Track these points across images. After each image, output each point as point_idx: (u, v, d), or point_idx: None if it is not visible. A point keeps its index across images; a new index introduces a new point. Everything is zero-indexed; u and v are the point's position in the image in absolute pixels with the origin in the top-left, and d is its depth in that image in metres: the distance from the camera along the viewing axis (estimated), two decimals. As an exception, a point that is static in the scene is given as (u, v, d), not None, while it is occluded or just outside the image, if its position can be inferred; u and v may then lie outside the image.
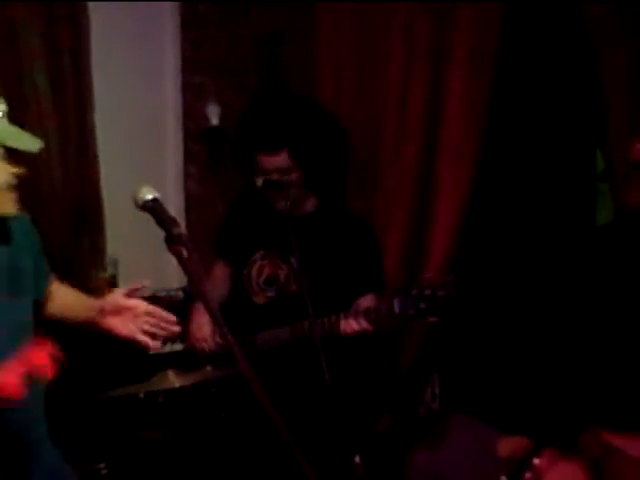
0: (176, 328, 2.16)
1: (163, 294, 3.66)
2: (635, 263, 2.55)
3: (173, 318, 2.16)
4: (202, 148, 4.17)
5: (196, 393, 2.87)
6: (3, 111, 1.93)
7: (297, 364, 2.93)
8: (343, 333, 2.77)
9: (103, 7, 3.64)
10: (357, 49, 3.80)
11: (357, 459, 2.38)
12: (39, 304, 2.15)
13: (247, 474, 3.00)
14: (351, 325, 2.75)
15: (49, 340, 1.94)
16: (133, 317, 2.15)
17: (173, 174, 4.20)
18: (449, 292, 2.61)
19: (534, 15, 3.63)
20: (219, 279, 3.21)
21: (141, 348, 2.17)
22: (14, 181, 1.94)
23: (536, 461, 2.57)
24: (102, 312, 2.17)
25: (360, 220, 3.16)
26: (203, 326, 3.08)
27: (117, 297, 2.17)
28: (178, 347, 3.27)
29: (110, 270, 3.67)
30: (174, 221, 1.82)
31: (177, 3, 4.12)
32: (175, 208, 3.98)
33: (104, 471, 2.96)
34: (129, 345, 2.18)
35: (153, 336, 2.16)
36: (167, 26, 4.13)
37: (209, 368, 2.80)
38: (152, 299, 2.34)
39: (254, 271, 3.10)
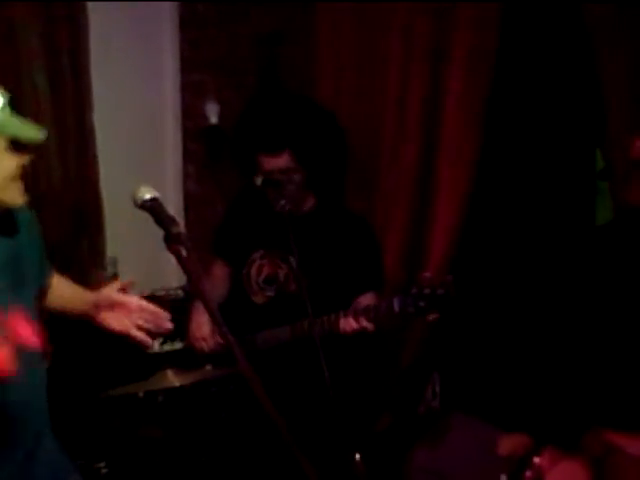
0: (169, 324, 2.15)
1: (162, 293, 3.66)
2: (635, 262, 2.55)
3: (166, 314, 2.14)
4: (200, 147, 4.17)
5: (196, 392, 2.86)
6: (4, 102, 1.93)
7: (297, 363, 2.93)
8: (343, 332, 2.77)
9: (102, 7, 3.64)
10: (356, 49, 3.80)
11: (357, 458, 2.38)
12: (40, 296, 2.16)
13: (247, 473, 3.00)
14: (351, 324, 2.75)
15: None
16: (127, 313, 2.14)
17: (172, 174, 4.20)
18: (448, 291, 2.61)
19: (533, 15, 3.62)
20: (218, 278, 3.21)
21: (136, 344, 2.17)
22: (20, 171, 1.94)
23: (536, 459, 2.57)
24: (96, 307, 2.17)
25: (359, 219, 3.16)
26: (202, 325, 3.08)
27: (110, 292, 2.16)
28: (178, 346, 3.27)
29: (110, 270, 3.67)
30: (173, 220, 1.82)
31: (176, 3, 4.11)
32: (174, 207, 3.98)
33: (104, 470, 2.96)
34: (127, 343, 2.17)
35: (147, 332, 2.15)
36: (166, 26, 4.13)
37: (209, 367, 2.81)
38: (151, 298, 2.34)
39: (253, 270, 3.10)
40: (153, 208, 1.85)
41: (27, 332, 1.92)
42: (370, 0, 3.71)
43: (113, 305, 2.15)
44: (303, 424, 2.32)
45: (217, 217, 3.57)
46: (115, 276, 3.60)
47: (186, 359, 3.06)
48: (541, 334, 2.84)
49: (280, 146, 2.95)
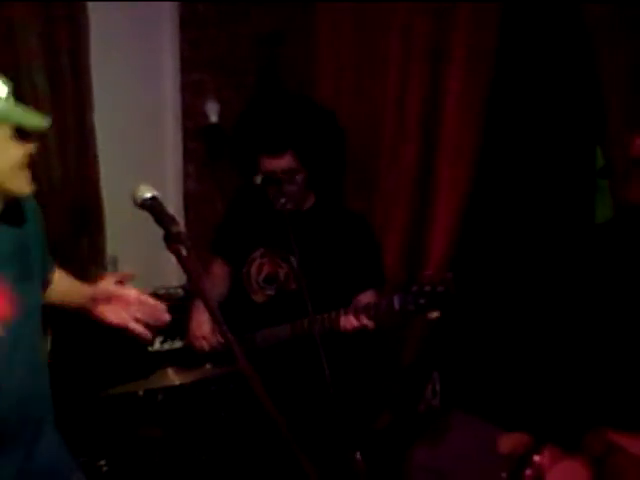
0: (167, 317, 2.13)
1: (162, 292, 3.67)
2: (635, 260, 2.55)
3: (164, 307, 2.12)
4: (200, 146, 4.17)
5: (196, 391, 2.87)
6: (8, 91, 1.93)
7: (297, 362, 2.93)
8: (343, 329, 2.77)
9: (102, 7, 3.65)
10: (356, 49, 3.80)
11: (358, 456, 2.38)
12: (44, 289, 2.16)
13: (247, 472, 3.00)
14: (351, 321, 2.75)
15: None
16: (125, 305, 2.13)
17: (172, 173, 4.20)
18: (448, 288, 2.62)
19: (533, 15, 3.63)
20: (218, 277, 3.21)
21: (134, 338, 2.16)
22: (26, 160, 1.94)
23: (537, 458, 2.57)
24: (94, 300, 2.16)
25: (358, 217, 3.17)
26: (202, 324, 3.08)
27: (108, 285, 2.15)
28: (178, 345, 3.28)
29: (110, 269, 3.68)
30: (173, 219, 1.82)
31: (176, 3, 4.12)
32: (174, 206, 3.98)
33: (105, 468, 2.97)
34: (127, 341, 2.17)
35: (146, 325, 2.14)
36: (166, 26, 4.13)
37: (208, 366, 2.81)
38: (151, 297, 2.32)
39: (253, 269, 3.10)
40: (153, 207, 1.85)
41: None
42: (370, 0, 3.72)
43: (110, 298, 2.14)
44: (303, 422, 2.33)
45: (217, 216, 3.58)
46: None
47: (186, 358, 3.06)
48: (541, 333, 2.84)
49: (282, 147, 2.95)
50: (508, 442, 2.80)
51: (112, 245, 3.71)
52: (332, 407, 2.41)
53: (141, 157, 3.95)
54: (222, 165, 4.10)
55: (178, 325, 3.17)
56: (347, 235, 3.04)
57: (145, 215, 1.87)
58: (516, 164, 3.80)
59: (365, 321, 2.74)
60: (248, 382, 1.68)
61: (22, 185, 1.95)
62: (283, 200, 2.90)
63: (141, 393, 2.85)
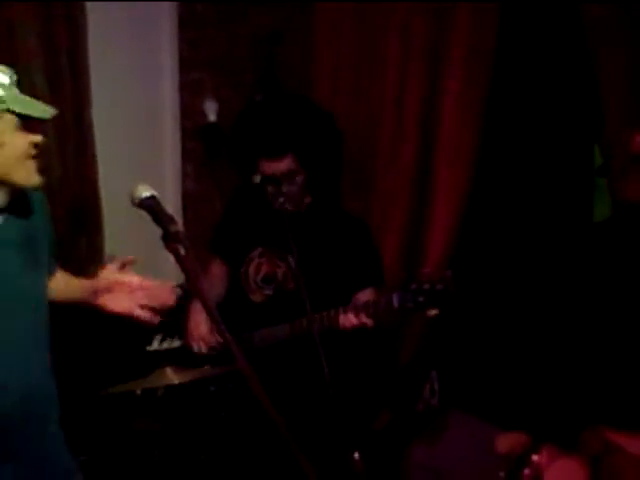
0: (172, 299, 2.09)
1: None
2: (633, 258, 2.55)
3: (168, 288, 2.09)
4: (199, 146, 4.17)
5: (195, 390, 2.87)
6: (13, 80, 1.93)
7: (295, 361, 2.93)
8: (342, 327, 2.77)
9: (101, 7, 3.64)
10: (355, 49, 3.80)
11: (356, 455, 2.38)
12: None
13: (246, 471, 3.00)
14: (350, 319, 2.75)
15: None
16: (128, 293, 2.09)
17: (170, 172, 4.19)
18: (447, 286, 2.62)
19: (531, 15, 3.63)
20: (216, 277, 3.21)
21: (141, 323, 2.12)
22: (34, 150, 1.94)
23: (535, 457, 2.58)
24: (95, 292, 2.13)
25: (355, 218, 3.17)
26: (200, 325, 3.07)
27: (110, 273, 2.11)
28: (176, 344, 3.27)
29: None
30: (171, 218, 1.81)
31: (175, 3, 4.11)
32: (172, 206, 3.98)
33: (103, 467, 2.96)
34: (126, 340, 2.16)
35: (151, 310, 2.10)
36: (165, 26, 4.13)
37: (207, 366, 2.81)
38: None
39: (251, 269, 3.10)
40: (151, 206, 1.85)
41: None
42: (368, 0, 3.72)
43: (112, 287, 2.10)
44: (302, 422, 2.32)
45: (215, 215, 3.57)
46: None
47: (185, 357, 3.06)
48: (540, 332, 2.84)
49: (283, 150, 2.95)
50: (506, 442, 2.81)
51: (110, 245, 3.70)
52: (331, 407, 2.41)
53: (139, 156, 3.94)
54: (221, 164, 4.10)
55: (177, 324, 3.17)
56: (344, 234, 3.05)
57: (143, 215, 1.87)
58: (515, 164, 3.80)
59: (364, 319, 2.74)
60: (247, 382, 1.68)
61: (28, 176, 1.94)
62: (282, 200, 2.90)
63: (139, 392, 2.85)
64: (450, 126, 3.52)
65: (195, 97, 4.15)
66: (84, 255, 3.62)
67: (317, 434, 2.69)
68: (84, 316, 2.22)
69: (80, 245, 3.62)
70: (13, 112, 1.89)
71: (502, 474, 2.67)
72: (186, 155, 4.21)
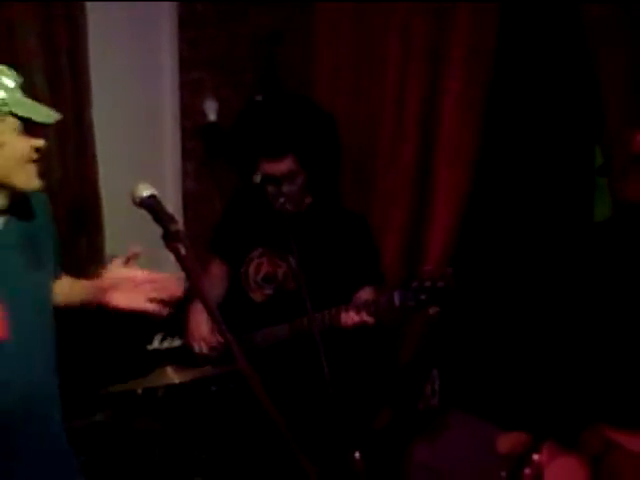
0: (180, 290, 2.04)
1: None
2: (634, 258, 2.55)
3: (175, 279, 2.04)
4: (199, 145, 4.17)
5: (196, 390, 2.87)
6: (18, 83, 1.93)
7: (296, 361, 2.93)
8: (344, 325, 2.77)
9: (101, 7, 3.64)
10: (355, 49, 3.80)
11: (357, 455, 2.38)
12: None
13: (247, 471, 3.00)
14: (352, 317, 2.75)
15: None
16: (134, 287, 2.05)
17: (171, 171, 4.19)
18: (448, 284, 2.62)
19: (531, 15, 3.63)
20: (216, 277, 3.21)
21: (150, 316, 2.08)
22: (35, 154, 1.94)
23: (536, 457, 2.58)
24: (102, 290, 2.09)
25: (356, 215, 3.18)
26: (201, 326, 3.07)
27: (115, 270, 2.08)
28: (177, 343, 3.27)
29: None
30: (172, 218, 1.81)
31: (175, 3, 4.11)
32: (173, 205, 3.98)
33: (103, 466, 2.96)
34: (126, 339, 2.16)
35: (159, 302, 2.06)
36: (165, 26, 4.13)
37: (208, 367, 2.81)
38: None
39: (252, 269, 3.10)
40: (152, 206, 1.85)
41: None
42: (368, 0, 3.72)
43: (118, 284, 2.07)
44: (303, 422, 2.33)
45: (216, 215, 3.57)
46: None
47: (185, 356, 3.06)
48: (540, 332, 2.84)
49: (283, 151, 2.95)
50: (507, 441, 2.81)
51: (111, 244, 3.70)
52: (331, 406, 2.41)
53: (140, 156, 3.94)
54: (221, 164, 4.10)
55: (177, 323, 3.17)
56: (344, 233, 3.05)
57: (143, 214, 1.87)
58: (515, 163, 3.80)
59: (366, 317, 2.74)
60: (247, 382, 1.68)
61: (28, 179, 1.94)
62: (282, 200, 2.91)
63: (140, 391, 2.84)
64: (450, 126, 3.52)
65: (195, 97, 4.15)
66: (84, 255, 3.62)
67: (318, 433, 2.69)
68: (84, 315, 2.21)
69: (80, 245, 3.61)
70: (16, 115, 1.89)
71: (504, 474, 2.67)
72: (186, 154, 4.20)
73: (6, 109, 1.87)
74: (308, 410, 2.87)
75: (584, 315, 2.62)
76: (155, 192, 1.88)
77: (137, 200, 1.87)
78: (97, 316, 2.20)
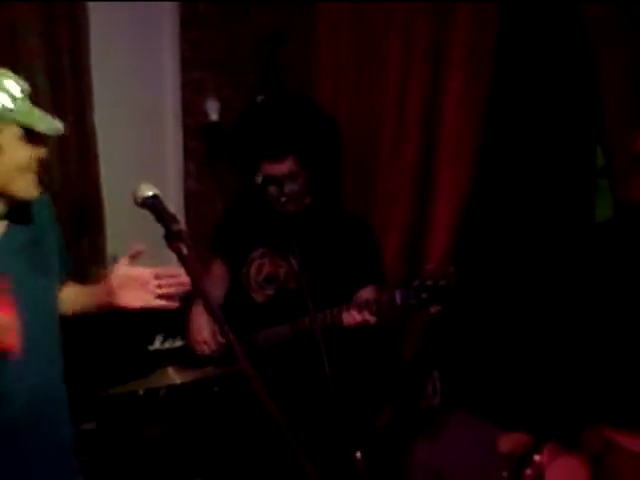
0: (187, 281, 1.98)
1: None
2: (635, 259, 2.55)
3: (181, 271, 1.98)
4: (201, 145, 4.18)
5: (197, 391, 2.87)
6: (25, 91, 1.93)
7: (298, 361, 2.93)
8: (346, 325, 2.77)
9: (102, 7, 3.65)
10: (356, 49, 3.81)
11: (358, 455, 2.38)
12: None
13: (249, 471, 3.00)
14: (354, 316, 2.76)
15: None
16: (142, 285, 2.05)
17: (173, 171, 4.20)
18: (450, 282, 2.62)
19: (532, 15, 3.63)
20: (217, 277, 3.21)
21: (161, 311, 2.08)
22: (34, 164, 1.94)
23: (537, 457, 2.58)
24: (109, 293, 2.08)
25: (357, 216, 3.18)
26: (203, 328, 3.08)
27: (122, 270, 2.07)
28: (178, 343, 3.27)
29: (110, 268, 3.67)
30: (174, 218, 1.81)
31: (176, 3, 4.11)
32: (174, 205, 3.99)
33: (105, 467, 2.96)
34: (127, 340, 2.16)
35: (168, 297, 2.06)
36: (166, 26, 4.13)
37: (210, 367, 2.81)
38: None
39: (253, 269, 3.11)
40: (154, 205, 1.85)
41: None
42: (370, 0, 3.72)
43: (124, 284, 2.06)
44: (304, 422, 2.33)
45: (217, 215, 3.58)
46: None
47: (187, 356, 3.06)
48: (541, 332, 2.84)
49: (284, 152, 2.96)
50: (508, 442, 2.81)
51: (112, 244, 3.71)
52: (333, 406, 2.42)
53: (141, 156, 3.95)
54: (222, 164, 4.10)
55: (178, 324, 3.17)
56: (344, 232, 3.05)
57: (145, 214, 1.87)
58: (516, 164, 3.80)
59: (367, 316, 2.74)
60: (249, 382, 1.68)
61: (26, 188, 1.94)
62: (283, 200, 2.91)
63: (142, 392, 2.84)
64: (452, 126, 3.52)
65: (197, 96, 4.15)
66: (86, 255, 3.62)
67: (319, 433, 2.69)
68: (84, 316, 2.21)
69: (82, 245, 3.62)
70: (20, 123, 1.89)
71: (505, 474, 2.67)
72: (188, 154, 4.21)
73: (10, 117, 1.88)
74: (310, 410, 2.87)
75: (585, 315, 2.62)
76: (157, 192, 1.88)
77: (139, 200, 1.87)
78: (98, 317, 2.20)
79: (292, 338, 2.91)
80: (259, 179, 2.98)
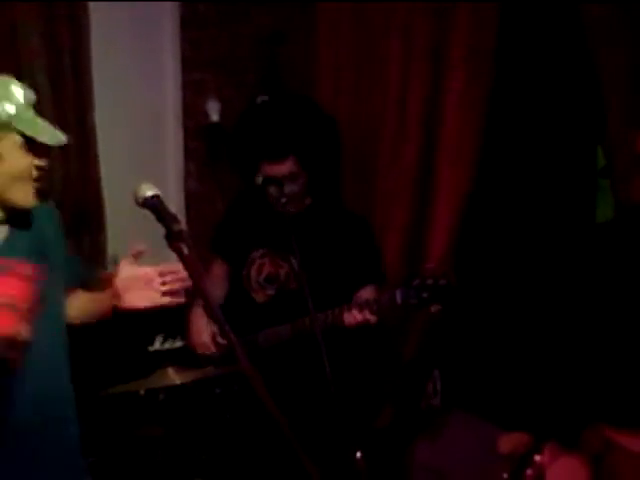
0: (187, 276, 1.98)
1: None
2: (636, 259, 2.55)
3: (181, 268, 1.94)
4: (201, 145, 4.18)
5: (198, 391, 2.87)
6: (29, 100, 1.93)
7: (299, 361, 2.93)
8: (348, 324, 2.78)
9: (103, 7, 3.65)
10: (356, 49, 3.81)
11: (359, 455, 2.38)
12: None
13: (249, 471, 3.00)
14: (355, 316, 2.76)
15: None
16: (146, 284, 2.04)
17: (173, 172, 4.20)
18: (450, 281, 2.63)
19: (532, 15, 3.63)
20: (218, 278, 3.21)
21: (161, 311, 2.07)
22: (35, 173, 1.93)
23: (537, 457, 2.58)
24: (115, 296, 2.07)
25: (357, 216, 3.18)
26: (202, 331, 3.08)
27: (124, 271, 2.06)
28: (178, 344, 3.27)
29: (111, 268, 3.67)
30: (174, 217, 1.82)
31: (177, 3, 4.12)
32: (175, 205, 3.99)
33: (105, 468, 2.96)
34: (127, 340, 2.16)
35: (173, 294, 2.04)
36: (167, 26, 4.13)
37: (210, 367, 2.81)
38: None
39: (253, 270, 3.11)
40: (155, 205, 1.85)
41: (13, 290, 1.89)
42: (370, 0, 3.72)
43: (129, 285, 2.05)
44: (305, 422, 2.33)
45: (217, 215, 3.58)
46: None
47: (187, 357, 3.06)
48: (541, 332, 2.84)
49: (284, 153, 2.96)
50: (509, 442, 2.81)
51: (113, 244, 3.71)
52: (333, 406, 2.42)
53: (142, 156, 3.95)
54: (223, 164, 4.10)
55: (178, 324, 3.17)
56: (345, 232, 3.06)
57: (146, 214, 1.87)
58: (517, 164, 3.81)
59: (368, 316, 2.75)
60: (250, 382, 1.68)
61: (25, 197, 1.94)
62: (284, 200, 2.91)
63: (142, 392, 2.84)
64: (452, 126, 3.52)
65: (197, 97, 4.15)
66: (87, 255, 3.62)
67: (320, 433, 2.69)
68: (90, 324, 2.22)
69: (83, 245, 3.62)
70: (21, 132, 1.89)
71: (505, 475, 2.67)
72: (189, 155, 4.21)
73: (12, 126, 1.87)
74: (310, 410, 2.88)
75: (585, 315, 2.62)
76: (158, 192, 1.88)
77: (140, 200, 1.87)
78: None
79: (293, 338, 2.91)
80: (259, 180, 2.99)
